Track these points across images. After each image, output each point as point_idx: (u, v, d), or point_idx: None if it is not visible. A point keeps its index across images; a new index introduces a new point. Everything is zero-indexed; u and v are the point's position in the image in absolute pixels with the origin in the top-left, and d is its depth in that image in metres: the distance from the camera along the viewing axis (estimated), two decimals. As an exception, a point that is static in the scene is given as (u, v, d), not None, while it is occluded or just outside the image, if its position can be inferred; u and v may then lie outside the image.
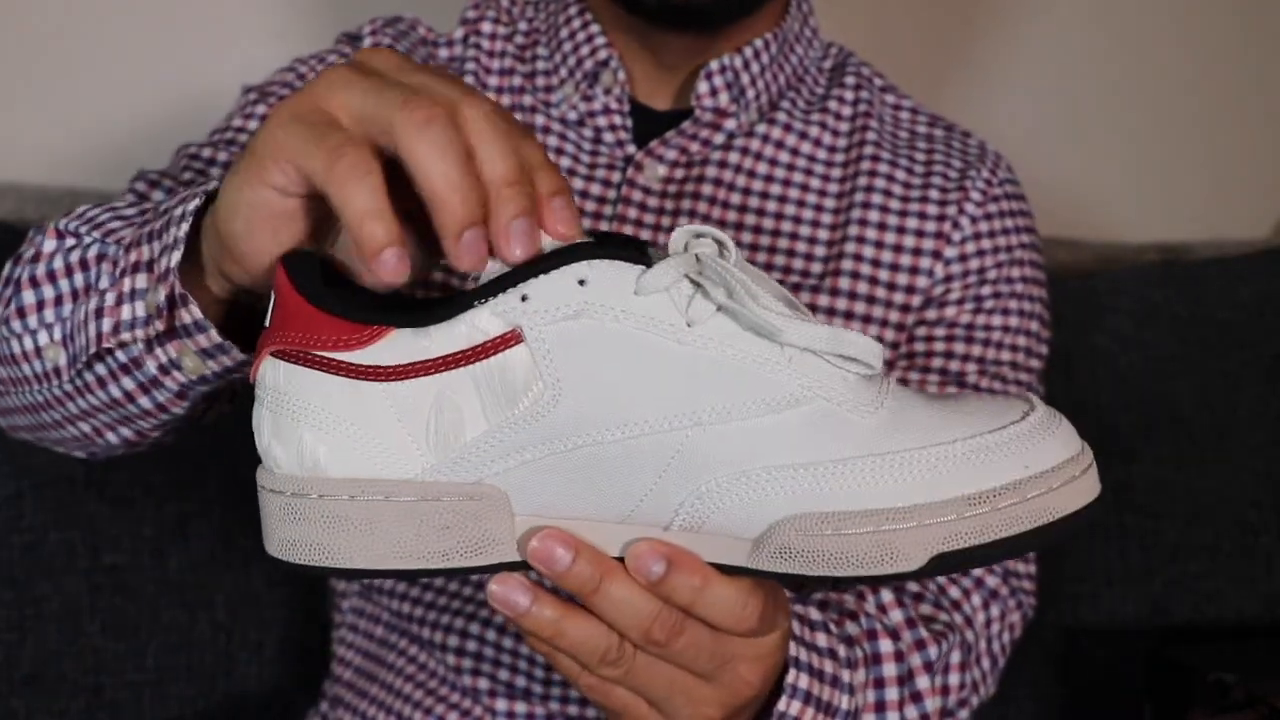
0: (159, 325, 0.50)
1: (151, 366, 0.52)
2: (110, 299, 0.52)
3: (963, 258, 0.74)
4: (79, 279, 0.56)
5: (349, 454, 0.43)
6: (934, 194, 0.75)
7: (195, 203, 0.49)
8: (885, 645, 0.62)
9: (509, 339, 0.42)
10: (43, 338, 0.56)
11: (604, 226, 0.73)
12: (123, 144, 1.06)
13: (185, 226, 0.49)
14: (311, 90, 0.42)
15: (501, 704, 0.71)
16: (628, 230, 0.72)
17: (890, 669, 0.62)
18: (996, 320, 0.74)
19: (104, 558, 0.87)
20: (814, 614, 0.57)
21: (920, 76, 1.13)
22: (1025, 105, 1.20)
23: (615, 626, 0.45)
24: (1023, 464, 0.43)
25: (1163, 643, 0.97)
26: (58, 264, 0.56)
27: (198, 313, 0.49)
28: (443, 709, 0.72)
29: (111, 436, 0.60)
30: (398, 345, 0.43)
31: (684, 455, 0.43)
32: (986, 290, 0.74)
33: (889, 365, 0.73)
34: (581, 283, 0.42)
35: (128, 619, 0.88)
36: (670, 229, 0.73)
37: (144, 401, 0.55)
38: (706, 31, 0.72)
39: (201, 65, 1.06)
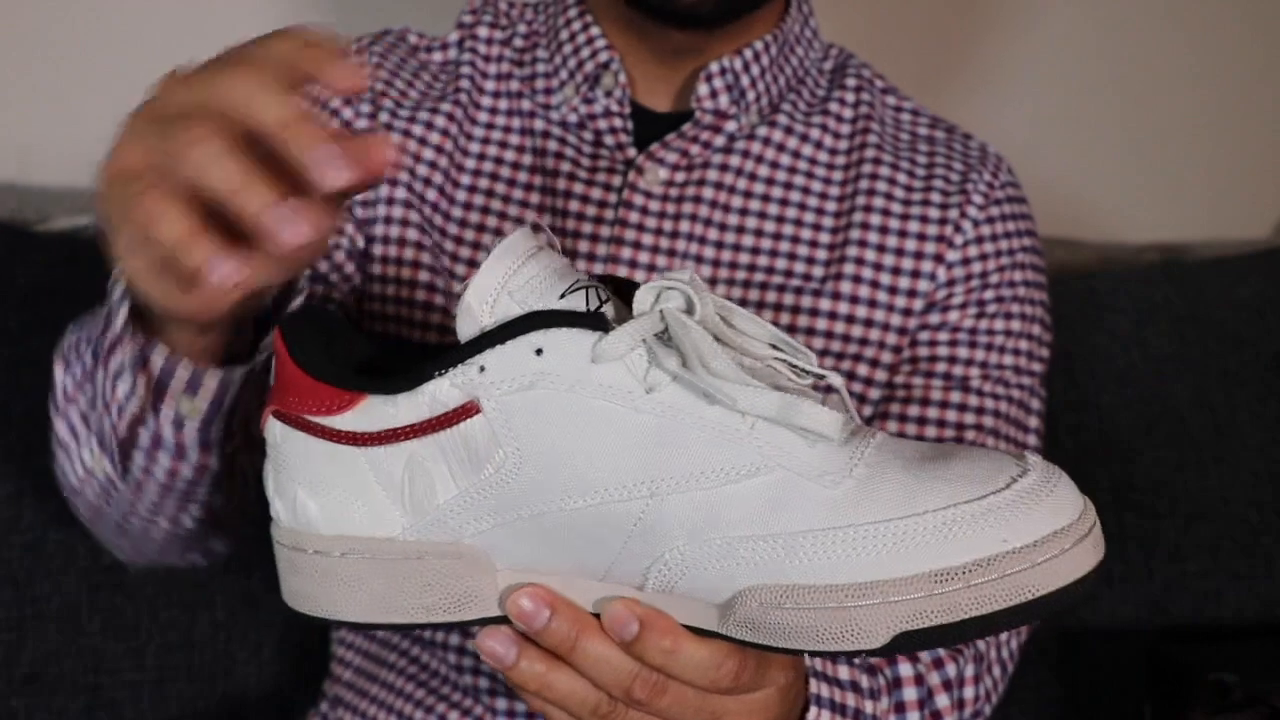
0: (141, 388, 0.53)
1: (167, 433, 0.55)
2: (108, 389, 0.55)
3: (965, 261, 0.74)
4: (88, 389, 0.59)
5: (336, 513, 0.45)
6: (935, 197, 0.75)
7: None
8: (905, 669, 0.63)
9: (469, 409, 0.43)
10: (85, 455, 0.60)
11: (605, 231, 0.73)
12: (122, 144, 1.06)
13: (119, 289, 0.51)
14: (112, 155, 0.44)
15: (502, 703, 0.71)
16: (629, 234, 0.73)
17: (911, 693, 0.63)
18: (999, 324, 0.74)
19: (104, 558, 0.87)
20: None
21: (920, 77, 1.13)
22: (1025, 105, 1.20)
23: (596, 683, 0.46)
24: (1000, 537, 0.41)
25: (1163, 643, 0.97)
26: (69, 387, 0.60)
27: (162, 351, 0.51)
28: (444, 708, 0.72)
29: (186, 520, 0.63)
30: (371, 412, 0.44)
31: (645, 523, 0.42)
32: (989, 294, 0.74)
33: (891, 369, 0.73)
34: (539, 352, 0.42)
35: (128, 619, 0.88)
36: (672, 233, 0.73)
37: (185, 471, 0.58)
38: (704, 30, 0.72)
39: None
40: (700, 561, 0.42)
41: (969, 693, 0.66)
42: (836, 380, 0.44)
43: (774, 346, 0.44)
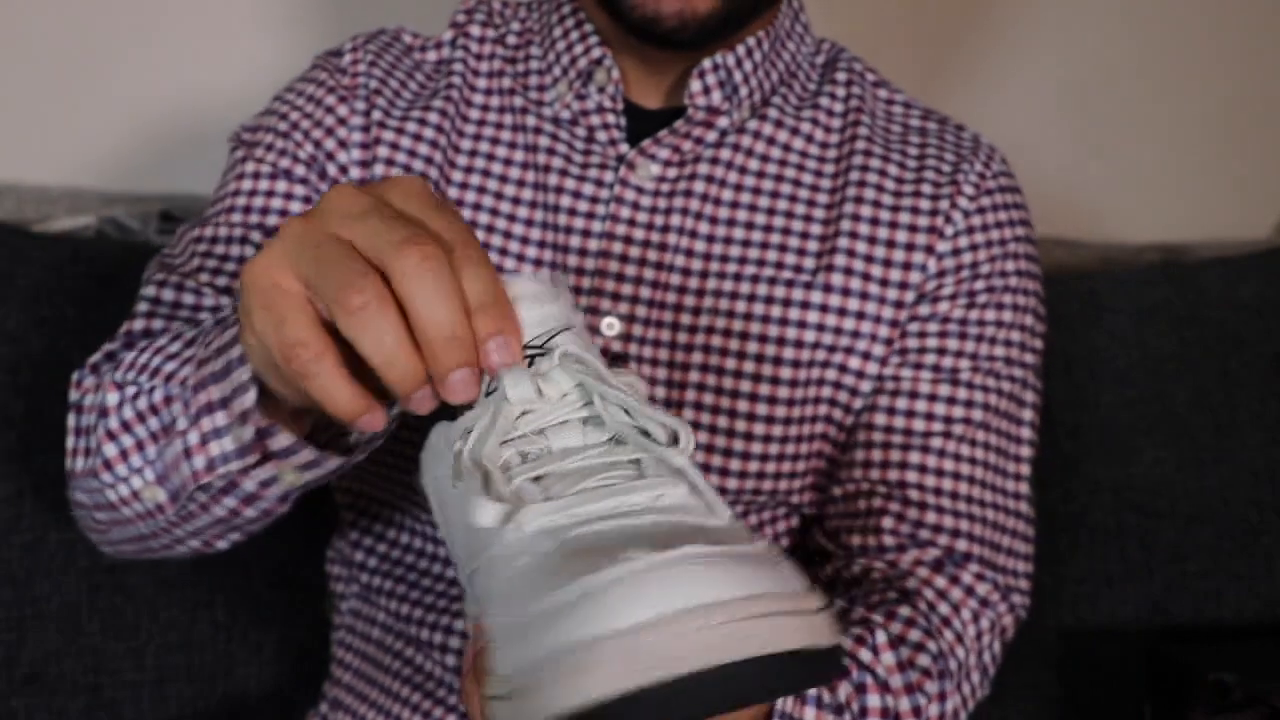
0: (253, 456, 0.53)
1: (250, 485, 0.55)
2: (194, 439, 0.54)
3: (955, 252, 0.74)
4: (154, 423, 0.58)
5: None
6: (926, 188, 0.75)
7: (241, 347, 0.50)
8: (873, 700, 0.62)
9: None
10: (136, 482, 0.60)
11: (597, 226, 0.73)
12: (122, 143, 1.06)
13: (247, 371, 0.50)
14: (271, 259, 0.43)
15: (498, 704, 0.71)
16: (620, 229, 0.73)
17: None
18: (990, 315, 0.74)
19: (104, 558, 0.87)
20: None
21: (920, 76, 1.13)
22: (1025, 105, 1.20)
23: None
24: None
25: (1163, 643, 0.97)
26: (128, 413, 0.59)
27: (288, 438, 0.51)
28: (440, 711, 0.72)
29: (221, 544, 0.64)
30: None
31: (482, 590, 0.45)
32: (980, 285, 0.74)
33: (882, 362, 0.73)
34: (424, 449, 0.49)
35: (128, 619, 0.88)
36: (663, 227, 0.73)
37: (249, 512, 0.58)
38: (687, 51, 0.71)
39: (201, 63, 1.07)
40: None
41: (934, 710, 0.65)
42: (637, 381, 0.46)
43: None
